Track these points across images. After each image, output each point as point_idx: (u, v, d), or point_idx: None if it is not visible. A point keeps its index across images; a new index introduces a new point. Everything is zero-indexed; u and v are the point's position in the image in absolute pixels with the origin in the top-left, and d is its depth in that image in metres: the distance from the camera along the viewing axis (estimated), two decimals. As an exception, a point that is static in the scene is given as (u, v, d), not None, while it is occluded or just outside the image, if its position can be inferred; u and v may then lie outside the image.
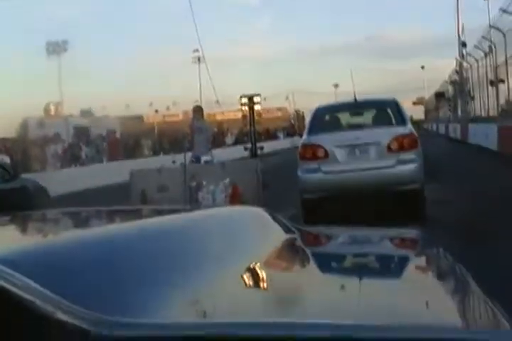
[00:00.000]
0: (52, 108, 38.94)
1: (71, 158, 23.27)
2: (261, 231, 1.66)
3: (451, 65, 35.00)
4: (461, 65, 30.69)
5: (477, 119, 24.54)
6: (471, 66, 26.95)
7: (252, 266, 1.31)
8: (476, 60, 24.64)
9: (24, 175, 9.91)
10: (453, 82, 33.98)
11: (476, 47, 22.90)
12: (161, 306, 0.99)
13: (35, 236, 1.59)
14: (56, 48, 47.67)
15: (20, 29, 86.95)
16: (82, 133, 30.57)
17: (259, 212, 1.83)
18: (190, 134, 11.21)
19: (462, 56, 29.87)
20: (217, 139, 34.98)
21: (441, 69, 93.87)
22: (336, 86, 67.13)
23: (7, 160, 17.29)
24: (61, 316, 0.87)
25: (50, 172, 17.06)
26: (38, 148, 22.43)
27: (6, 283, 0.88)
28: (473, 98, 27.31)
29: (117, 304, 0.95)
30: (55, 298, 0.89)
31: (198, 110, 11.07)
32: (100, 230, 1.52)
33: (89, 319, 0.87)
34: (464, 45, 29.48)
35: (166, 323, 0.93)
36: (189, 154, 10.74)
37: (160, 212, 1.99)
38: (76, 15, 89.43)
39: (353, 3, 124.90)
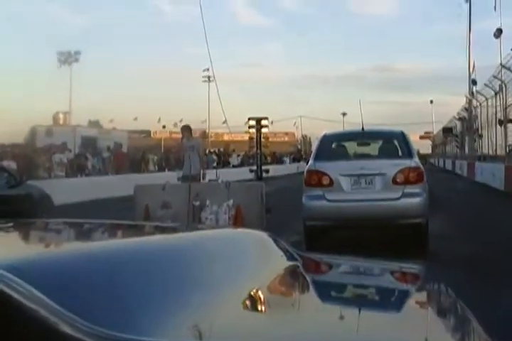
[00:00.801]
0: (61, 117, 39.07)
1: (77, 167, 23.27)
2: (263, 256, 1.65)
3: (461, 101, 35.18)
4: (470, 103, 30.78)
5: (484, 158, 24.52)
6: (480, 104, 27.01)
7: (252, 291, 1.30)
8: (486, 99, 24.72)
9: (30, 182, 9.93)
10: (461, 119, 34.03)
11: (486, 85, 23.01)
12: (160, 325, 0.99)
13: (39, 245, 1.59)
14: (68, 58, 48.16)
15: (34, 38, 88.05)
16: (89, 144, 30.64)
17: (262, 236, 1.82)
18: (182, 153, 11.26)
19: (472, 93, 29.97)
20: (223, 160, 35.05)
21: (451, 105, 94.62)
22: (344, 114, 67.38)
23: (14, 166, 17.35)
24: (64, 328, 0.86)
25: (56, 181, 17.07)
26: (44, 156, 22.50)
27: (10, 289, 0.88)
28: (481, 136, 27.28)
29: (119, 320, 0.95)
30: (58, 308, 0.89)
31: (186, 129, 11.12)
32: (103, 244, 1.52)
33: (93, 333, 0.86)
34: (474, 82, 29.61)
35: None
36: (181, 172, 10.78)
37: (164, 230, 1.99)
38: (90, 27, 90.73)
39: (367, 34, 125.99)
